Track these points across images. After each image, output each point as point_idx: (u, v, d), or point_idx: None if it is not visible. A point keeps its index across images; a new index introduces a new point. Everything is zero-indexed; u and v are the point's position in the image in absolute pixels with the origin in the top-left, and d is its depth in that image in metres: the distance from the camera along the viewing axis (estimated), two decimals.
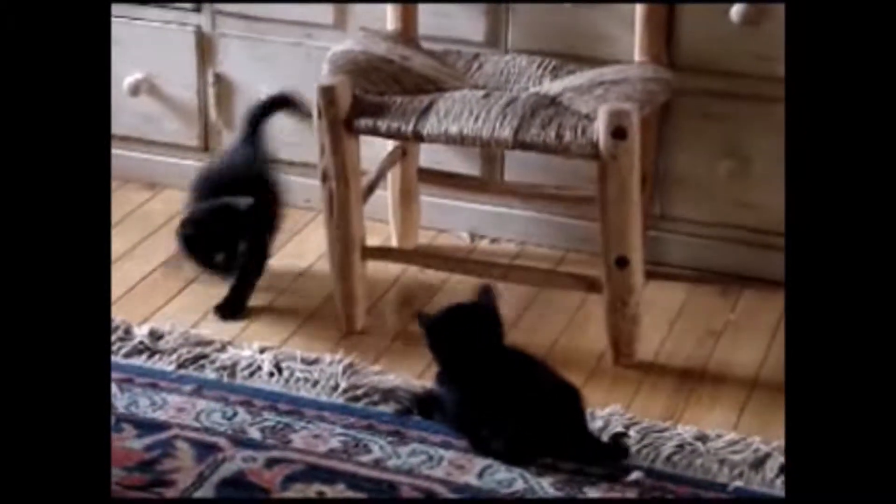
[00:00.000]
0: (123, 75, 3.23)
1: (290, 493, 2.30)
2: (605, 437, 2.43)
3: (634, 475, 2.36)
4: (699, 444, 2.44)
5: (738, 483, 2.35)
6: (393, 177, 3.00)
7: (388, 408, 2.52)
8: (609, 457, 2.37)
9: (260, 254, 2.85)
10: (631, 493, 2.32)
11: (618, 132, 2.49)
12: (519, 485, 2.34)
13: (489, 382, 2.39)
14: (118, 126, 3.29)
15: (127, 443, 2.42)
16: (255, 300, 2.87)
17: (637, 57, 2.81)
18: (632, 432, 2.45)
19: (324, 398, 2.56)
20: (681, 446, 2.43)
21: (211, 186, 2.85)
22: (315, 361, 2.65)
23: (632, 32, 2.81)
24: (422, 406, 2.50)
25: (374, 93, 2.68)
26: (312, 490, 2.31)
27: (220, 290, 2.85)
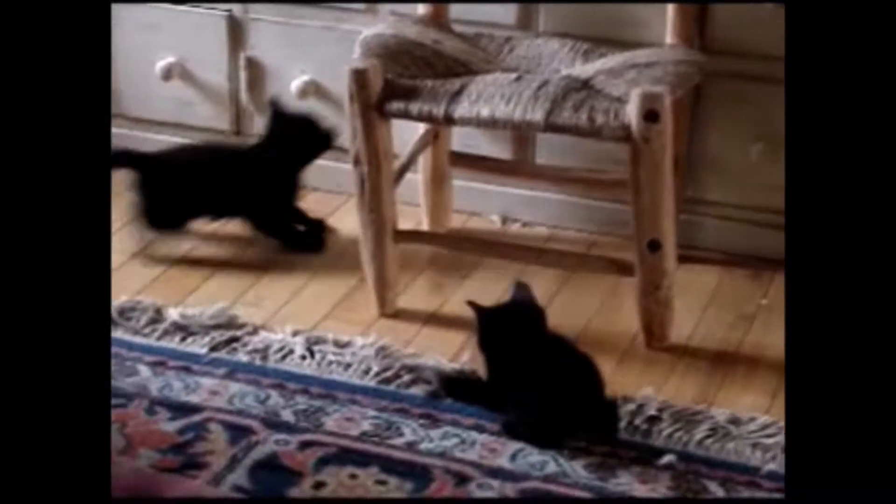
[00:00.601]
0: (156, 60, 3.24)
1: (323, 476, 2.31)
2: (637, 420, 2.43)
3: (667, 459, 2.36)
4: (732, 427, 2.43)
5: (772, 466, 2.35)
6: (424, 160, 3.00)
7: (420, 390, 2.53)
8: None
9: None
10: (664, 477, 2.32)
11: (650, 115, 2.48)
12: (551, 467, 2.34)
13: (523, 367, 2.39)
14: (151, 111, 3.31)
15: (160, 425, 2.43)
16: (287, 283, 2.88)
17: (669, 39, 2.80)
18: (664, 415, 2.45)
19: (356, 381, 2.56)
20: (713, 430, 2.43)
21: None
22: (347, 344, 2.66)
23: (664, 15, 2.80)
24: (451, 387, 2.50)
25: (406, 76, 2.68)
26: (345, 473, 2.32)
27: (245, 279, 2.86)
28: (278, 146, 2.98)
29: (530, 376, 2.38)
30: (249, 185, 2.97)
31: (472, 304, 2.44)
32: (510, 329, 2.42)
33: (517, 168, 3.05)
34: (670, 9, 2.78)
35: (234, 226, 3.02)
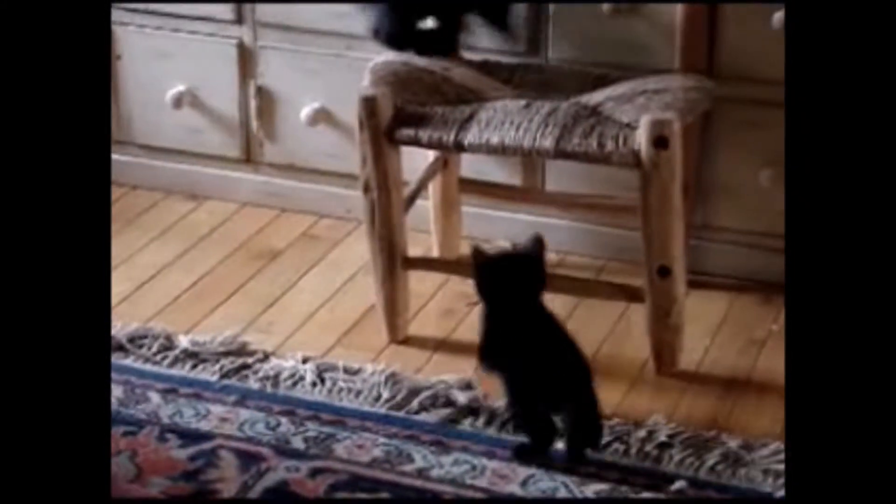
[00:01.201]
0: (167, 88, 3.25)
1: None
2: (648, 447, 2.43)
3: (678, 485, 2.35)
4: (743, 453, 2.43)
5: (783, 492, 2.34)
6: (434, 187, 3.00)
7: (431, 417, 2.53)
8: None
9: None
10: None
11: (659, 141, 2.48)
12: (562, 494, 2.33)
13: (514, 337, 2.41)
14: (161, 138, 3.32)
15: (171, 452, 2.43)
16: (298, 310, 2.89)
17: (678, 66, 2.80)
18: (675, 442, 2.44)
19: (366, 408, 2.57)
20: (725, 456, 2.42)
21: None
22: (358, 371, 2.66)
23: (672, 41, 2.81)
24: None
25: (416, 103, 2.69)
26: (355, 500, 2.32)
27: (251, 303, 2.87)
28: None
29: (520, 353, 2.40)
30: None
31: (475, 248, 2.43)
32: (505, 283, 2.40)
33: (527, 194, 3.06)
34: (679, 35, 2.79)
35: (242, 256, 3.04)
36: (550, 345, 2.40)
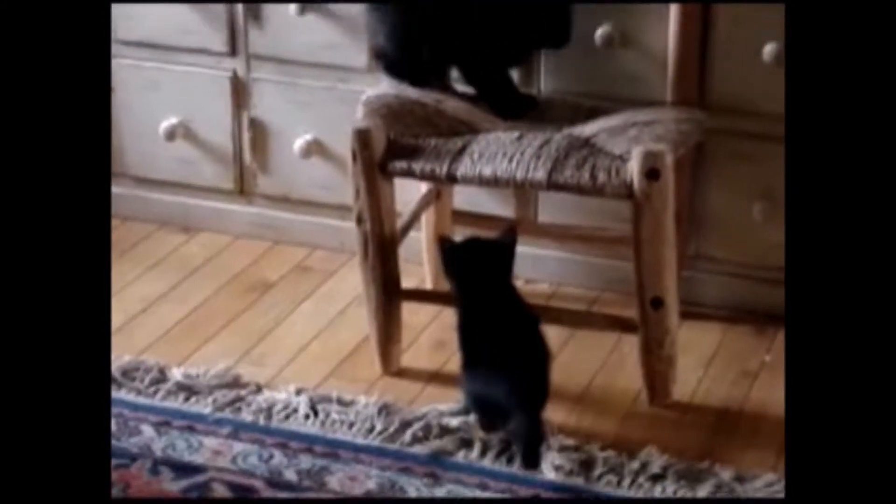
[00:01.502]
0: (160, 120, 3.26)
1: None
2: (641, 478, 2.43)
3: None
4: (737, 485, 2.43)
5: None
6: (427, 218, 3.01)
7: (424, 448, 2.53)
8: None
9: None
10: None
11: (651, 173, 2.49)
12: None
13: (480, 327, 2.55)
14: (155, 170, 3.32)
15: (164, 485, 2.43)
16: (291, 342, 2.88)
17: (670, 98, 2.82)
18: (668, 473, 2.44)
19: (360, 440, 2.56)
20: (718, 487, 2.42)
21: None
22: (351, 403, 2.66)
23: (664, 74, 2.82)
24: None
25: (408, 135, 2.70)
26: None
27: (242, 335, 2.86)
28: None
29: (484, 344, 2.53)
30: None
31: (441, 238, 2.64)
32: (471, 264, 2.57)
33: (520, 226, 3.05)
34: (671, 67, 2.80)
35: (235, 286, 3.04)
36: (513, 336, 2.52)
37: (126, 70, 3.25)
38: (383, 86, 2.86)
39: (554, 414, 2.56)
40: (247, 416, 2.63)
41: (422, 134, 2.71)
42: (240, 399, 2.68)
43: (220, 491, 2.41)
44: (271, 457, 2.51)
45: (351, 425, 2.60)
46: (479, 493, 2.41)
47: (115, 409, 2.62)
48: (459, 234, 3.04)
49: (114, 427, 2.58)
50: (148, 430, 2.58)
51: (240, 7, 3.13)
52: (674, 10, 2.79)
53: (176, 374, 2.74)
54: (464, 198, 3.03)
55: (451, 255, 2.60)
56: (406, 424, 2.58)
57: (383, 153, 2.64)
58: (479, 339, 2.55)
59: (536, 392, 2.49)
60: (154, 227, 3.33)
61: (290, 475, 2.46)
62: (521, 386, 2.47)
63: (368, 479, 2.45)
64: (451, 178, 2.62)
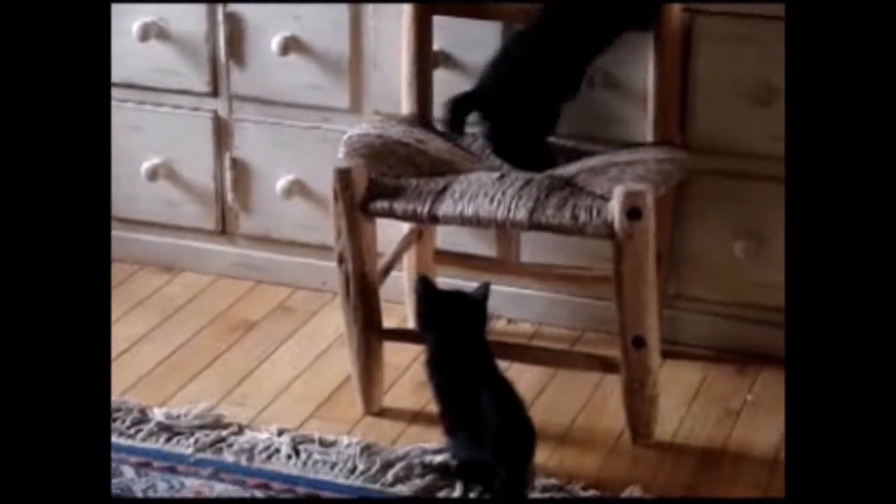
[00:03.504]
0: (142, 160, 3.26)
1: None
2: None
3: None
4: None
5: None
6: (409, 258, 3.01)
7: (406, 489, 2.52)
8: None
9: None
10: None
11: (633, 213, 2.50)
12: None
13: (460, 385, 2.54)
14: (137, 210, 3.32)
15: None
16: (273, 383, 2.88)
17: (651, 138, 2.83)
18: None
19: (342, 480, 2.55)
20: None
21: None
22: (333, 443, 2.65)
23: (645, 114, 2.83)
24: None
25: (390, 175, 2.70)
26: None
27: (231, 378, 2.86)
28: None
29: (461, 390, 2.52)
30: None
31: (421, 278, 2.62)
32: (445, 317, 2.58)
33: (502, 265, 3.06)
34: (652, 107, 2.81)
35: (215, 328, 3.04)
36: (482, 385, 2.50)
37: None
38: (365, 126, 2.86)
39: (536, 453, 2.55)
40: (228, 456, 2.62)
41: (403, 174, 2.71)
42: (221, 440, 2.67)
43: None
44: (253, 498, 2.50)
45: (333, 466, 2.59)
46: None
47: None
48: (442, 275, 3.05)
49: None
50: (129, 472, 2.57)
51: (222, 47, 3.14)
52: (653, 49, 2.80)
53: (157, 414, 2.73)
54: (446, 237, 3.03)
55: (427, 304, 2.59)
56: (388, 465, 2.57)
57: (365, 193, 2.65)
58: (458, 401, 2.53)
59: (524, 449, 2.47)
60: (136, 268, 3.32)
61: None
62: (509, 446, 2.44)
63: None
64: (433, 219, 2.63)
